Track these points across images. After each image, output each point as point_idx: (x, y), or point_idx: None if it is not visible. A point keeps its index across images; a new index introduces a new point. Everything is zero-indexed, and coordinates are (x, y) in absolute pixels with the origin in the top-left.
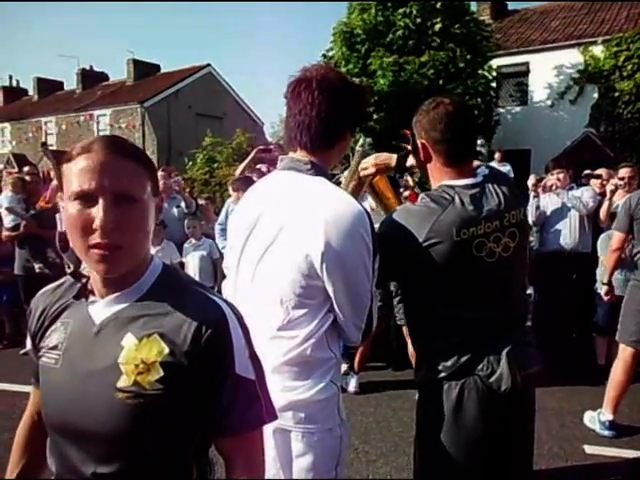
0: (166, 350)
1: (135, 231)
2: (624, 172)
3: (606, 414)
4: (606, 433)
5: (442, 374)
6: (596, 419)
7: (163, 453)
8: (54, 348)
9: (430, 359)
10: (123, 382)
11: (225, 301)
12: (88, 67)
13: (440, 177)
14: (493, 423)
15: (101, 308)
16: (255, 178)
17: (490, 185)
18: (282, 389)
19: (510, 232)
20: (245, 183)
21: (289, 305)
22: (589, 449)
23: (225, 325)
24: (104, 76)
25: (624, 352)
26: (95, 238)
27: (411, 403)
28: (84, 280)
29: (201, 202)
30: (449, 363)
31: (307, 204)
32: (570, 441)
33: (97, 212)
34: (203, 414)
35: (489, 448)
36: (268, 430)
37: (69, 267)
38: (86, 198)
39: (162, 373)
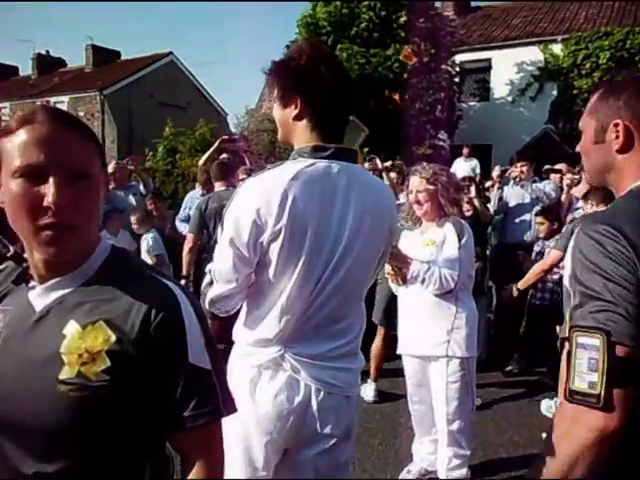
0: (113, 338)
1: (88, 210)
2: None
3: None
4: None
5: None
6: (553, 407)
7: (111, 449)
8: None
9: None
10: (66, 373)
11: (179, 285)
12: (44, 52)
13: (637, 174)
14: None
15: (42, 294)
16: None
17: None
18: (355, 362)
19: None
20: (226, 169)
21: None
22: None
23: (177, 311)
24: (61, 62)
25: None
26: (46, 218)
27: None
28: (25, 264)
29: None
30: None
31: (368, 185)
32: (529, 429)
33: (48, 189)
34: (155, 407)
35: None
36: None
37: (8, 250)
38: (33, 174)
39: (109, 363)
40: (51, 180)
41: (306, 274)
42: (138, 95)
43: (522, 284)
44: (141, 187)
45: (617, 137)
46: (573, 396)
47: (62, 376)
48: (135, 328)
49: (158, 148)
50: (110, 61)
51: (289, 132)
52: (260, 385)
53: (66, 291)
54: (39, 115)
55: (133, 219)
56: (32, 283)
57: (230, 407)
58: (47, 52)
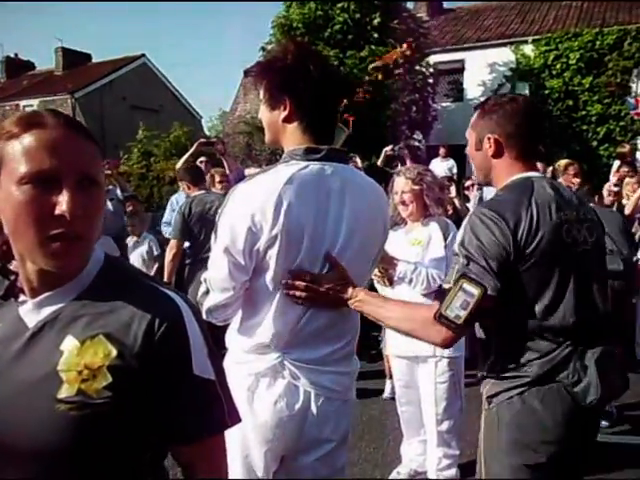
0: (114, 352)
1: (96, 219)
2: (574, 169)
3: None
4: None
5: (521, 381)
6: None
7: (113, 467)
8: None
9: (508, 365)
10: (65, 392)
11: (179, 294)
12: (13, 55)
13: (509, 173)
14: (572, 435)
15: (34, 309)
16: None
17: (555, 181)
18: (351, 365)
19: (587, 226)
20: (200, 174)
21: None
22: None
23: (180, 321)
24: (30, 65)
25: None
26: (58, 228)
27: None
28: (12, 277)
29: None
30: (530, 370)
31: (361, 186)
32: None
33: (62, 197)
34: (158, 420)
35: (564, 459)
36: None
37: None
38: (44, 181)
39: (110, 379)
40: (65, 187)
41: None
42: (110, 98)
43: None
44: (118, 192)
45: (490, 147)
46: (441, 319)
47: (61, 395)
48: (138, 341)
49: (132, 151)
50: (81, 64)
51: (278, 135)
52: (258, 393)
53: (60, 305)
54: (48, 119)
55: (128, 223)
56: (22, 298)
57: (234, 418)
58: (15, 55)
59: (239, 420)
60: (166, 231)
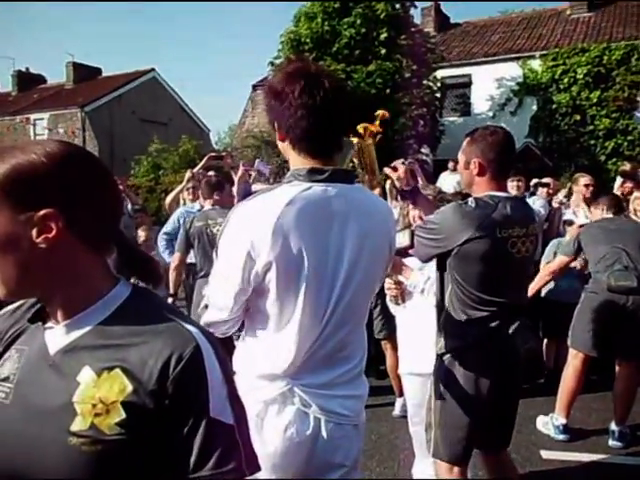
0: (129, 388)
1: None
2: (587, 180)
3: (559, 418)
4: (560, 437)
5: (470, 340)
6: (550, 424)
7: None
8: (5, 380)
9: (458, 330)
10: (78, 425)
11: (202, 330)
12: (24, 69)
13: (486, 188)
14: (506, 379)
15: (57, 335)
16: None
17: (518, 200)
18: (360, 388)
19: (531, 239)
20: (211, 187)
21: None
22: (545, 454)
23: (199, 360)
24: (41, 79)
25: (575, 358)
26: None
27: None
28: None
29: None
30: (477, 332)
31: (367, 207)
32: (527, 447)
33: None
34: (172, 464)
35: (503, 393)
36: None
37: None
38: None
39: (124, 415)
40: None
41: (312, 305)
42: (119, 112)
43: (530, 290)
44: (129, 206)
45: (475, 168)
46: None
47: (74, 428)
48: (153, 378)
49: (142, 164)
50: (91, 78)
51: (286, 154)
52: (267, 420)
53: (80, 333)
54: None
55: (142, 234)
56: (49, 323)
57: (253, 467)
58: (27, 69)
59: (258, 469)
60: (161, 238)
